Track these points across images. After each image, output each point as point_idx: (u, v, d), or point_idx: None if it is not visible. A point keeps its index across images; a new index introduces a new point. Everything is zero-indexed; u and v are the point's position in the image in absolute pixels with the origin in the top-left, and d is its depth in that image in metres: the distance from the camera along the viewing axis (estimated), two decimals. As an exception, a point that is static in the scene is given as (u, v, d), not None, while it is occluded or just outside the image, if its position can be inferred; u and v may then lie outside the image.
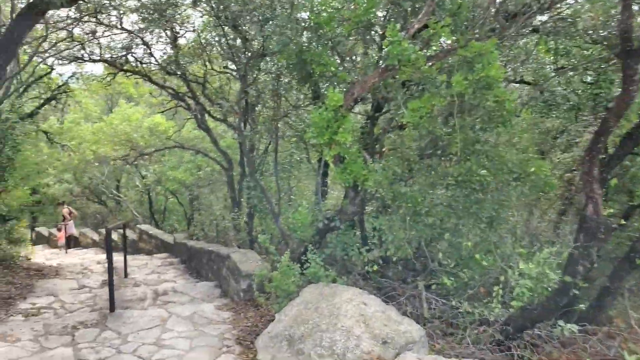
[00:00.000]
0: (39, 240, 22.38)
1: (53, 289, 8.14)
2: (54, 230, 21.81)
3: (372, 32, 6.18)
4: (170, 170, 17.42)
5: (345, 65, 6.26)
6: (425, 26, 4.81)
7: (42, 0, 4.99)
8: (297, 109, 8.83)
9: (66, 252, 17.67)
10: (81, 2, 8.16)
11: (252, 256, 6.97)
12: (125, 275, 10.02)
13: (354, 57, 6.83)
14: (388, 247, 5.50)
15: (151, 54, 11.72)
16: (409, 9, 5.01)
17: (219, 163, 15.53)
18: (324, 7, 5.43)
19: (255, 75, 8.79)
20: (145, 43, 11.36)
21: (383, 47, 5.42)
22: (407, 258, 5.65)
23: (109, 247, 6.35)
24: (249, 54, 9.20)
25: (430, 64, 4.70)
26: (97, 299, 7.26)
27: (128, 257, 15.57)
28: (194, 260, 10.47)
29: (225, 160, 14.86)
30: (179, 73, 11.45)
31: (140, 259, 13.23)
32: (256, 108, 9.90)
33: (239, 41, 9.79)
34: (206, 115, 14.47)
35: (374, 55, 6.56)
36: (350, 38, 7.18)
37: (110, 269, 6.31)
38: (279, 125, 7.96)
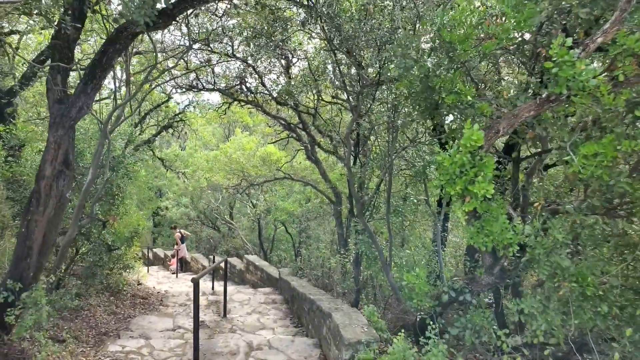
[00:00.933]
0: (156, 261, 23.49)
1: (148, 327, 7.78)
2: (169, 252, 22.78)
3: (522, 51, 4.87)
4: (280, 201, 17.13)
5: (486, 93, 5.02)
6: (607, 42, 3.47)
7: (127, 26, 4.58)
8: (415, 144, 7.69)
9: (177, 277, 18.07)
10: (192, 30, 7.96)
11: (357, 318, 5.89)
12: (225, 314, 9.49)
13: (493, 84, 5.58)
14: (536, 334, 4.09)
15: (263, 84, 11.40)
16: (584, 17, 3.69)
17: (327, 197, 14.82)
18: (457, 22, 4.32)
19: (369, 106, 7.86)
20: (257, 72, 11.08)
21: (537, 70, 4.14)
22: (562, 351, 4.17)
23: (196, 302, 5.67)
24: (363, 82, 8.32)
25: (614, 92, 3.34)
26: (187, 348, 6.67)
27: (233, 287, 15.50)
28: (296, 303, 9.66)
29: (333, 193, 14.10)
30: (290, 103, 10.95)
31: (244, 293, 12.80)
32: (368, 141, 8.94)
33: (353, 69, 9.03)
34: (316, 146, 13.90)
35: (522, 82, 5.26)
36: (484, 62, 5.95)
37: (196, 326, 5.62)
38: (393, 161, 6.87)
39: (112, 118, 8.29)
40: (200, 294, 8.19)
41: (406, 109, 6.39)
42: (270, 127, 17.49)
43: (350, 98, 8.10)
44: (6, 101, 9.57)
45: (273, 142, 15.78)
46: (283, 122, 13.40)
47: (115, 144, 9.48)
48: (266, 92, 11.51)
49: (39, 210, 4.65)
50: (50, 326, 6.43)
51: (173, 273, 19.93)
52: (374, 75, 8.17)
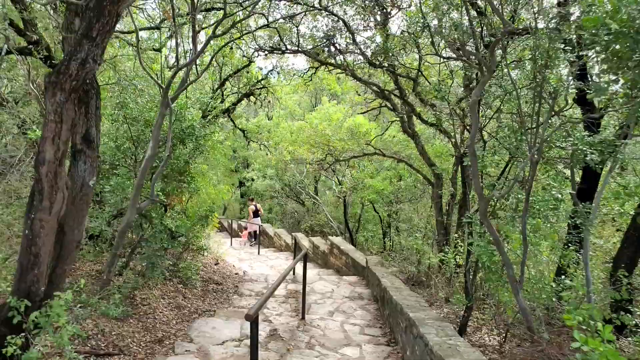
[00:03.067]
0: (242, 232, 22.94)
1: (210, 336, 6.50)
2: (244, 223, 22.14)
3: None
4: (368, 178, 15.35)
5: None
6: None
7: None
8: (562, 119, 5.51)
9: (258, 253, 17.17)
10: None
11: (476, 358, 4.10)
12: (303, 315, 8.05)
13: None
14: None
15: (355, 42, 9.53)
16: None
17: (424, 177, 12.82)
18: None
19: (498, 64, 5.73)
20: (348, 28, 9.21)
21: None
22: None
23: (254, 341, 4.08)
24: (487, 34, 6.20)
25: None
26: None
27: (316, 271, 14.16)
28: (387, 307, 7.99)
29: (433, 174, 12.06)
30: (386, 65, 9.01)
31: (327, 281, 11.37)
32: (491, 112, 6.83)
33: (466, 20, 6.91)
34: (414, 118, 11.87)
35: None
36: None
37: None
38: (542, 140, 4.81)
39: (175, 82, 6.97)
40: (291, 268, 6.77)
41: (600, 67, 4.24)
42: (359, 95, 15.62)
43: (467, 56, 6.05)
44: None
45: (363, 113, 13.89)
46: (376, 89, 11.50)
47: (185, 113, 8.23)
48: (358, 51, 9.62)
49: (44, 207, 3.34)
50: (94, 333, 5.35)
51: (251, 244, 19.29)
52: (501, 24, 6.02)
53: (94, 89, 3.82)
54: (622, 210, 7.81)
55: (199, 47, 6.72)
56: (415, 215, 15.57)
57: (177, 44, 6.54)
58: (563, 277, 6.52)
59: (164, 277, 7.65)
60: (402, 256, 12.60)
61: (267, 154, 18.19)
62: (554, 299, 5.77)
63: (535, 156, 4.54)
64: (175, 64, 6.91)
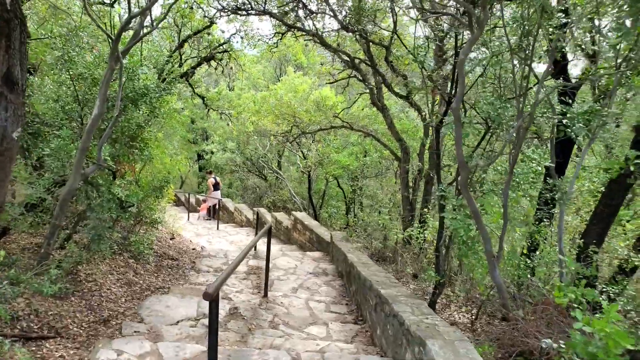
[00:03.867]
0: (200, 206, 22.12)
1: (163, 315, 5.93)
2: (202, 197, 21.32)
3: None
4: (334, 153, 14.88)
5: None
6: None
7: None
8: (547, 89, 5.16)
9: (217, 229, 16.51)
10: None
11: (465, 348, 3.75)
12: (265, 292, 7.58)
13: None
14: None
15: (327, 1, 8.91)
16: None
17: (392, 152, 12.47)
18: None
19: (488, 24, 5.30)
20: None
21: None
22: None
23: (214, 324, 3.55)
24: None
25: None
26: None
27: (278, 247, 13.68)
28: (353, 283, 7.63)
29: (401, 148, 11.73)
30: (358, 28, 8.46)
31: (290, 257, 10.93)
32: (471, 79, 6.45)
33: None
34: (384, 90, 11.43)
35: None
36: None
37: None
38: (525, 108, 4.43)
39: (126, 38, 6.20)
40: (254, 244, 6.19)
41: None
42: (326, 65, 15.02)
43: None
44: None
45: (331, 83, 13.31)
46: (345, 58, 10.95)
47: (138, 72, 7.44)
48: (330, 13, 9.01)
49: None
50: (25, 313, 4.69)
51: (207, 219, 18.61)
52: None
53: (18, 19, 3.12)
54: (592, 188, 7.68)
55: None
56: (380, 191, 15.29)
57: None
58: (537, 253, 6.32)
59: (113, 251, 6.98)
60: (366, 232, 12.28)
61: (228, 124, 17.35)
62: (528, 276, 5.53)
63: (525, 123, 4.17)
64: (127, 13, 6.15)
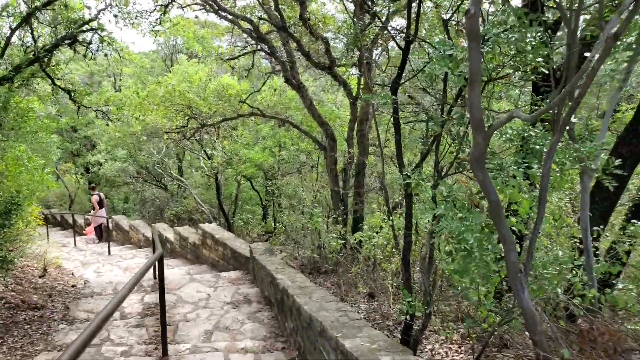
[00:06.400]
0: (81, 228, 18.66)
1: None
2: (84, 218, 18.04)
3: None
4: (244, 149, 12.51)
5: None
6: None
7: None
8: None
9: (109, 254, 13.48)
10: None
11: None
12: (165, 350, 5.18)
13: None
14: None
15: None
16: None
17: (314, 139, 10.44)
18: None
19: None
20: None
21: None
22: None
23: None
24: None
25: None
26: None
27: (185, 269, 11.09)
28: (289, 319, 5.47)
29: (325, 134, 9.75)
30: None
31: (200, 282, 8.49)
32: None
33: None
34: (299, 67, 9.36)
35: None
36: None
37: None
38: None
39: None
40: (132, 287, 3.66)
41: None
42: (223, 45, 12.61)
43: None
44: None
45: (231, 59, 10.85)
46: (249, 26, 8.71)
47: None
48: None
49: None
50: None
51: (97, 242, 15.61)
52: None
53: None
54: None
55: None
56: (300, 189, 13.23)
57: None
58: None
59: None
60: (292, 239, 10.17)
61: (107, 124, 14.27)
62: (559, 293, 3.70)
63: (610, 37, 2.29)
64: None
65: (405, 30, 4.29)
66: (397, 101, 4.33)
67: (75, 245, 15.88)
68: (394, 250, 5.97)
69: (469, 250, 3.41)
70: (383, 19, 5.12)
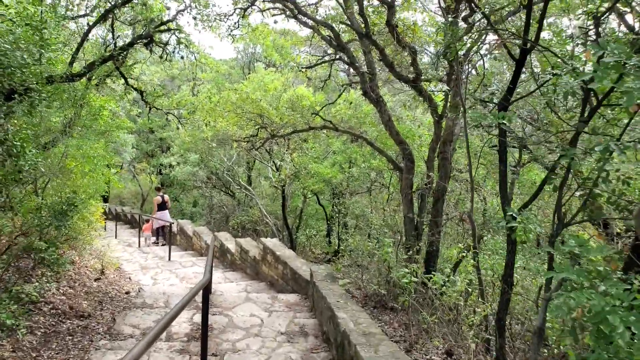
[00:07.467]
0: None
1: None
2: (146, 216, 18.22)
3: None
4: (312, 163, 11.89)
5: None
6: None
7: None
8: None
9: (169, 259, 13.31)
10: None
11: None
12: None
13: None
14: None
15: None
16: None
17: (389, 158, 9.58)
18: None
19: None
20: None
21: None
22: None
23: None
24: None
25: None
26: None
27: (243, 284, 10.61)
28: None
29: (402, 154, 8.86)
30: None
31: (257, 302, 7.85)
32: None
33: None
34: (378, 79, 8.59)
35: None
36: None
37: None
38: None
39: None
40: (180, 308, 3.04)
41: None
42: (301, 55, 12.12)
43: None
44: None
45: (309, 67, 10.28)
46: (328, 33, 8.08)
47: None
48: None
49: None
50: None
51: (154, 243, 15.66)
52: None
53: None
54: None
55: None
56: (369, 209, 12.37)
57: None
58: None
59: None
60: (357, 264, 9.33)
61: (177, 128, 14.26)
62: None
63: None
64: None
65: (522, 35, 3.38)
66: (505, 122, 3.44)
67: (139, 246, 16.00)
68: (479, 299, 4.98)
69: (607, 335, 2.43)
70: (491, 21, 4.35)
